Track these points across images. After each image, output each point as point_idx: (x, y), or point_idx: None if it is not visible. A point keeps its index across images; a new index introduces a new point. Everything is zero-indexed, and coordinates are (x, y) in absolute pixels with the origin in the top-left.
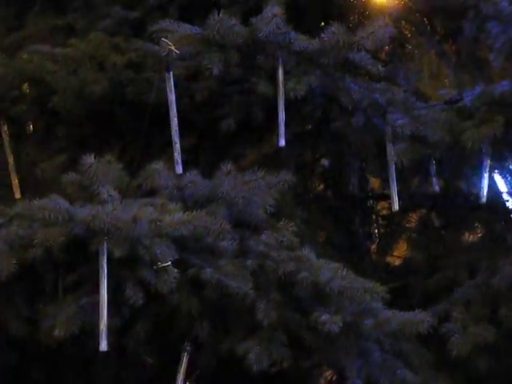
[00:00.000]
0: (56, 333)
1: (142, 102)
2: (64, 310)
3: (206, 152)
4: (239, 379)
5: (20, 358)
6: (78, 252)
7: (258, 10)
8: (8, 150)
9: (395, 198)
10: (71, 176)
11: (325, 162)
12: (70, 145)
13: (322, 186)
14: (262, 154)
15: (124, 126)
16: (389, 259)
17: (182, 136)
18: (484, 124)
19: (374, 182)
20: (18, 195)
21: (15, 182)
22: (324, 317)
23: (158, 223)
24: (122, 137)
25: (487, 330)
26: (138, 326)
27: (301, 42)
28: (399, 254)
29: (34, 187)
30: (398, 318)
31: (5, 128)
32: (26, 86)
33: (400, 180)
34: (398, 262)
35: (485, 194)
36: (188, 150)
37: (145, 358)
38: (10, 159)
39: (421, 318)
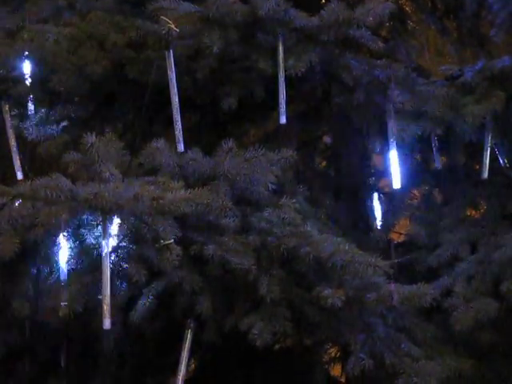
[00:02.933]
0: (60, 312)
1: (143, 80)
2: (67, 288)
3: (207, 130)
4: (243, 356)
5: (24, 337)
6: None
7: None
8: (10, 131)
9: (397, 175)
10: (73, 155)
11: (327, 139)
12: (72, 124)
13: (324, 164)
14: (264, 131)
15: (125, 105)
16: (391, 236)
17: (183, 114)
18: (485, 99)
19: (376, 159)
20: (20, 175)
21: (17, 162)
22: (326, 291)
23: (160, 201)
24: (123, 116)
25: (489, 305)
26: (142, 303)
27: (301, 19)
28: (401, 230)
29: (36, 167)
30: (400, 291)
31: (6, 108)
32: (27, 66)
33: (402, 156)
34: (400, 239)
35: (486, 169)
36: (189, 129)
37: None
38: (12, 139)
39: (424, 291)
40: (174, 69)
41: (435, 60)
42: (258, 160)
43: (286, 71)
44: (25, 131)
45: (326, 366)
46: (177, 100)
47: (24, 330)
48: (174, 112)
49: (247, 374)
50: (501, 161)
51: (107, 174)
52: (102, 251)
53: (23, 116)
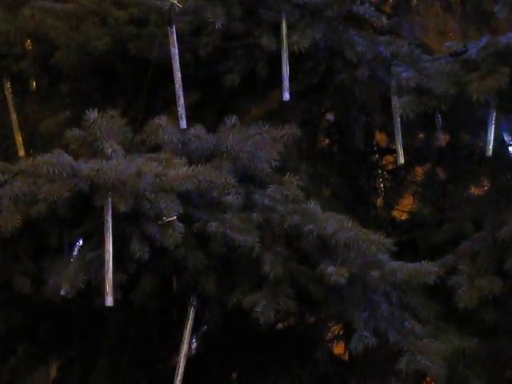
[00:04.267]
0: (62, 290)
1: (145, 57)
2: (69, 266)
3: (210, 107)
4: (246, 335)
5: (26, 315)
6: (82, 207)
7: None
8: (11, 108)
9: (400, 152)
10: (75, 132)
11: (330, 116)
12: (74, 101)
13: (327, 141)
14: (267, 108)
15: (127, 82)
16: (395, 213)
17: (185, 91)
18: (489, 76)
19: (380, 137)
20: (21, 152)
21: (19, 139)
22: (330, 269)
23: (163, 177)
24: (125, 92)
25: (494, 282)
26: (144, 281)
27: None
28: (405, 208)
29: (37, 144)
30: (404, 269)
31: (8, 85)
32: (28, 43)
33: (405, 134)
34: (403, 216)
35: (491, 146)
36: (192, 106)
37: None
38: (14, 116)
39: (428, 269)
40: (176, 45)
41: (439, 38)
42: (261, 137)
43: (289, 47)
44: (26, 108)
45: (329, 345)
46: (179, 76)
47: (25, 308)
48: (177, 88)
49: (250, 352)
50: (505, 138)
51: (109, 150)
52: (104, 228)
53: (25, 93)
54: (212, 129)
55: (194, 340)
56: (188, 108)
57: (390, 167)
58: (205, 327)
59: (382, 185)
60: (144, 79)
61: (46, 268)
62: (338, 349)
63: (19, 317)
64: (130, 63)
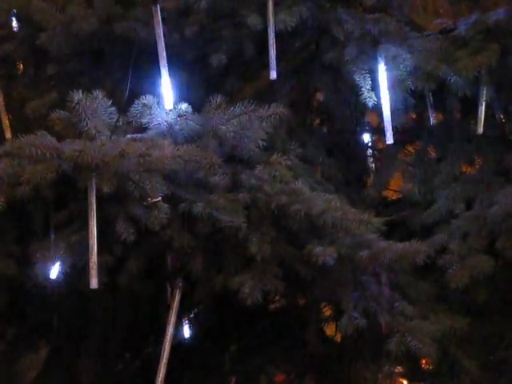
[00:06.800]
0: (51, 273)
1: (132, 37)
2: (54, 248)
3: (196, 87)
4: (236, 317)
5: (12, 298)
6: (66, 189)
7: None
8: None
9: (390, 131)
10: (59, 113)
11: (320, 96)
12: (60, 83)
13: (317, 121)
14: (255, 88)
15: (113, 63)
16: (385, 193)
17: (172, 72)
18: (479, 53)
19: (370, 116)
20: (8, 135)
21: (5, 121)
22: (318, 249)
23: (147, 158)
24: (111, 73)
25: (485, 262)
26: (130, 262)
27: None
28: (395, 187)
29: (24, 126)
30: (393, 248)
31: None
32: (14, 24)
33: (396, 112)
34: (395, 196)
35: (481, 124)
36: (178, 86)
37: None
38: (0, 99)
39: (417, 248)
40: (161, 24)
41: (428, 16)
42: (247, 116)
43: (276, 26)
44: (13, 90)
45: (321, 326)
46: (165, 56)
47: (11, 290)
48: (162, 69)
49: (241, 334)
50: (496, 115)
51: (94, 131)
52: (88, 209)
53: (11, 75)
54: (198, 109)
55: (186, 322)
56: (174, 88)
57: (380, 146)
58: (195, 310)
59: (372, 164)
60: (130, 60)
61: (31, 250)
62: (330, 330)
63: (5, 298)
64: (116, 44)
